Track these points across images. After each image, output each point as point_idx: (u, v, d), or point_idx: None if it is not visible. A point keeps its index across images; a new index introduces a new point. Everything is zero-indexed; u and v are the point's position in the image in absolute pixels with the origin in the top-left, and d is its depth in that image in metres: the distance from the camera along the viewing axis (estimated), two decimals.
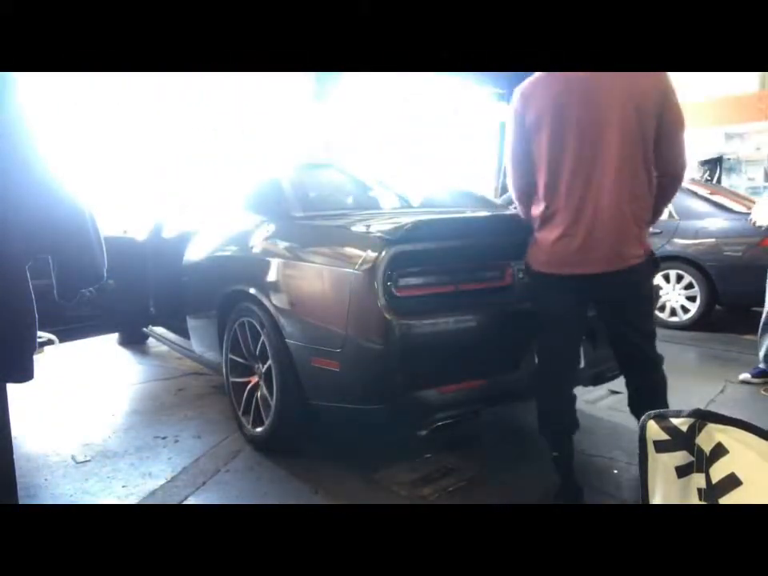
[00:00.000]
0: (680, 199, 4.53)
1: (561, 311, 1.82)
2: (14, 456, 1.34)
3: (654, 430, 1.23)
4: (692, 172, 7.88)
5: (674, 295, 4.74)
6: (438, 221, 2.25)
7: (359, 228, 2.14)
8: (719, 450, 1.12)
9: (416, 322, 1.86)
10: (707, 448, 1.15)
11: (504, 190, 6.83)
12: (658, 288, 4.57)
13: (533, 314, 1.93)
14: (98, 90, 6.20)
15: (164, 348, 4.01)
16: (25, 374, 1.17)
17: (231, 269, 2.62)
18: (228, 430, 2.62)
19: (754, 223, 3.35)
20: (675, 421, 1.20)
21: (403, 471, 2.22)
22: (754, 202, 4.91)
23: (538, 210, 1.79)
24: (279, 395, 2.20)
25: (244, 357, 2.48)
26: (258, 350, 2.35)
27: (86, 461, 2.36)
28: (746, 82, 8.18)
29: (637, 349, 1.83)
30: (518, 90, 1.80)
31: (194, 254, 2.94)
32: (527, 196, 1.85)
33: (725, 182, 7.93)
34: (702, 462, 1.15)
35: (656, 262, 1.86)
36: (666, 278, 4.78)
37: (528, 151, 1.79)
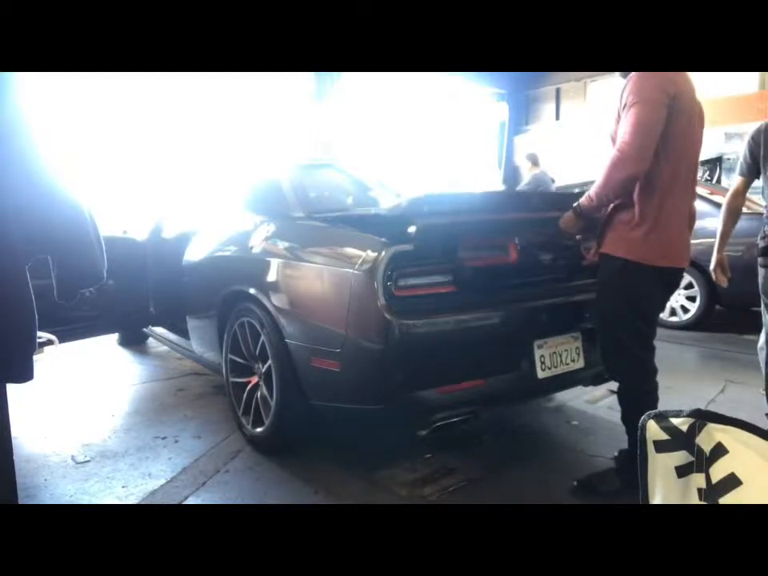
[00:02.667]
0: None
1: (657, 301, 1.99)
2: (14, 456, 1.34)
3: (654, 430, 1.23)
4: None
5: (674, 295, 4.73)
6: (437, 220, 2.25)
7: (359, 228, 2.14)
8: (719, 450, 1.12)
9: (416, 322, 1.86)
10: (707, 448, 1.15)
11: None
12: None
13: (534, 313, 1.91)
14: (99, 90, 6.20)
15: (164, 348, 4.01)
16: (25, 374, 1.17)
17: (231, 269, 2.62)
18: (228, 429, 2.62)
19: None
20: (675, 421, 1.20)
21: (403, 471, 2.22)
22: (754, 202, 4.91)
23: (649, 204, 1.83)
24: (279, 395, 2.20)
25: (244, 357, 2.48)
26: (257, 350, 2.35)
27: (86, 461, 2.36)
28: (746, 82, 8.18)
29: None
30: (669, 78, 1.77)
31: (194, 254, 2.94)
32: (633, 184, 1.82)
33: (725, 182, 7.92)
34: (702, 462, 1.15)
35: None
36: None
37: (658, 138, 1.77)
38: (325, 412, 2.15)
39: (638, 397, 1.96)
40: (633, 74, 1.82)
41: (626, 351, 1.96)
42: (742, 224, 4.47)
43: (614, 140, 1.85)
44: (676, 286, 2.09)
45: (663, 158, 1.80)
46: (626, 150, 1.73)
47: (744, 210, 4.74)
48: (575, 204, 1.94)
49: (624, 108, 1.79)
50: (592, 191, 1.85)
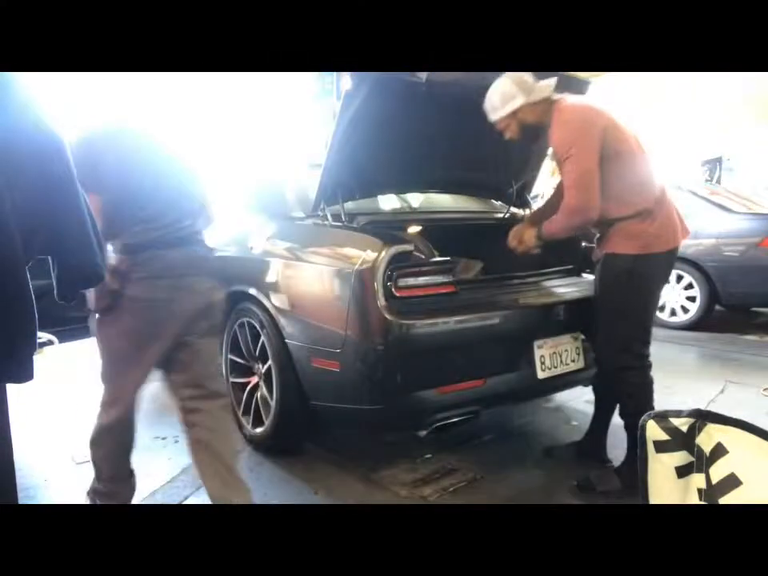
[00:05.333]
0: (680, 200, 4.52)
1: (659, 289, 2.04)
2: (14, 456, 1.34)
3: (654, 430, 1.23)
4: (692, 172, 7.87)
5: (674, 295, 4.73)
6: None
7: (359, 228, 2.14)
8: (719, 450, 1.13)
9: (416, 323, 1.86)
10: (707, 448, 1.15)
11: None
12: None
13: (534, 313, 1.91)
14: (99, 90, 6.18)
15: None
16: (25, 374, 1.17)
17: (231, 269, 2.61)
18: None
19: None
20: (675, 421, 1.20)
21: (403, 471, 2.22)
22: (754, 202, 4.91)
23: (631, 207, 1.90)
24: (279, 395, 2.20)
25: (244, 357, 2.48)
26: (257, 350, 2.35)
27: (86, 461, 2.35)
28: (747, 82, 8.21)
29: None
30: (593, 106, 1.90)
31: None
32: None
33: (725, 182, 7.92)
34: (702, 462, 1.15)
35: None
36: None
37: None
38: (325, 412, 2.14)
39: (635, 392, 1.96)
40: (554, 115, 1.90)
41: (629, 348, 1.96)
42: (741, 224, 4.50)
43: (557, 162, 1.96)
44: (672, 267, 2.14)
45: (612, 171, 1.88)
46: (574, 205, 1.86)
47: (744, 210, 4.76)
48: (537, 229, 2.05)
49: (561, 160, 1.89)
50: (554, 226, 1.97)
